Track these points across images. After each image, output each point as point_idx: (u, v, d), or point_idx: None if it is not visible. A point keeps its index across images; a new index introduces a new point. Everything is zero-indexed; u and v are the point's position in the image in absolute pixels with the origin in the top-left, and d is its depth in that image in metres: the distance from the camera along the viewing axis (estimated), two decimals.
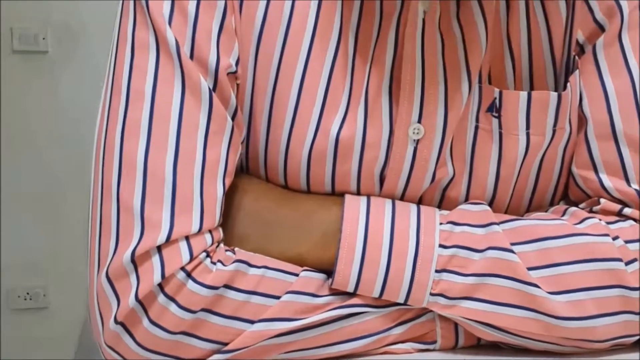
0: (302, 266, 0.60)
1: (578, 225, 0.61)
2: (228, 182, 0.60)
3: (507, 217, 0.62)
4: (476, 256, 0.59)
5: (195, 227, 0.57)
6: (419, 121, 0.62)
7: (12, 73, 2.13)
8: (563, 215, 0.64)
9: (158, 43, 0.59)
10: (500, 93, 0.63)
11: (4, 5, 2.09)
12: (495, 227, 0.60)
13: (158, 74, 0.59)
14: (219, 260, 0.57)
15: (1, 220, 2.15)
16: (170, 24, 0.59)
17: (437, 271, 0.58)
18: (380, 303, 0.59)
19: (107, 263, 0.56)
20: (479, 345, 0.62)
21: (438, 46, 0.62)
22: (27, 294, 2.21)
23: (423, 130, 0.62)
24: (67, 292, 2.17)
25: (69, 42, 2.15)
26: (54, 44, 2.14)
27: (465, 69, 0.62)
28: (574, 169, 0.66)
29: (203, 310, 0.56)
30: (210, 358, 0.57)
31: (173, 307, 0.56)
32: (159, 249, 0.56)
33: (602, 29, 0.64)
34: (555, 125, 0.63)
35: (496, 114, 0.63)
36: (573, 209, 0.64)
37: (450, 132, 0.62)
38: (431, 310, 0.60)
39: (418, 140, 0.62)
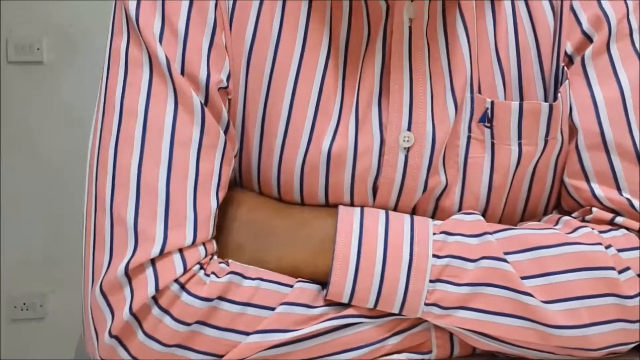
0: (296, 276, 0.60)
1: (571, 235, 0.61)
2: (221, 195, 0.61)
3: (501, 226, 0.62)
4: (470, 266, 0.59)
5: (188, 240, 0.57)
6: (409, 129, 0.62)
7: (7, 84, 2.12)
8: (556, 224, 0.64)
9: (151, 61, 0.60)
10: (492, 103, 0.63)
11: None
12: (489, 236, 0.60)
13: (151, 91, 0.59)
14: (212, 272, 0.57)
15: (1, 227, 2.15)
16: (160, 41, 0.60)
17: (431, 281, 0.58)
18: (375, 313, 0.59)
19: (101, 276, 0.57)
20: (475, 355, 0.62)
21: (425, 53, 0.62)
22: (24, 304, 2.21)
23: (413, 138, 0.62)
24: (65, 302, 2.17)
25: (65, 52, 2.15)
26: (50, 53, 2.14)
27: (448, 78, 0.63)
28: (566, 179, 0.66)
29: (197, 322, 0.56)
30: None
31: (167, 320, 0.56)
32: (153, 261, 0.56)
33: (590, 39, 0.65)
34: (547, 135, 0.64)
35: (488, 124, 0.63)
36: (566, 218, 0.64)
37: (441, 140, 0.63)
38: (426, 320, 0.60)
39: (409, 148, 0.62)
